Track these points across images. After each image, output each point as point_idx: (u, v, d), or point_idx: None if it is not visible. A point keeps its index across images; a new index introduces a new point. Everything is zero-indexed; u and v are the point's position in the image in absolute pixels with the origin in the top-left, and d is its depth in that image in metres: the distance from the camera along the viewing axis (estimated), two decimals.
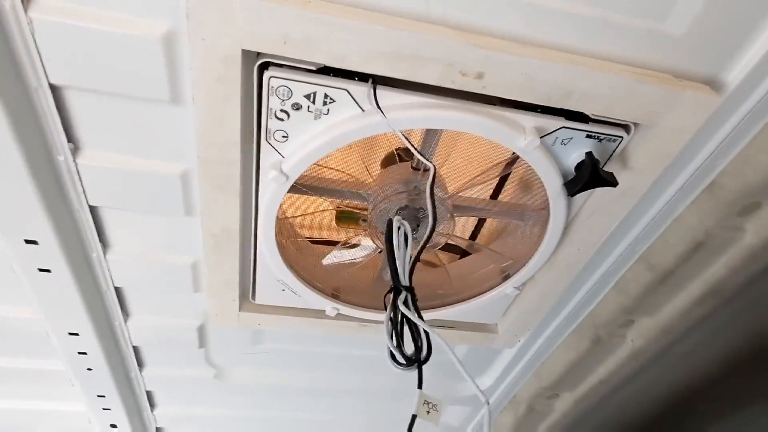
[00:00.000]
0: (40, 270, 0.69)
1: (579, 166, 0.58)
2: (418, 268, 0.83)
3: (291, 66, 0.50)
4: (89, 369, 0.91)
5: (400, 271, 0.44)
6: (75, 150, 0.59)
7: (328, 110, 0.52)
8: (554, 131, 0.56)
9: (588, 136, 0.56)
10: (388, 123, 0.50)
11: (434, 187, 0.64)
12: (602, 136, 0.56)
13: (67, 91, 0.53)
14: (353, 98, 0.51)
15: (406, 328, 0.43)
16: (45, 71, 0.50)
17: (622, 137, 0.57)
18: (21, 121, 0.53)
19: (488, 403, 0.37)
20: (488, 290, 0.79)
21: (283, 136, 0.55)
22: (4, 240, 0.65)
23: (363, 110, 0.52)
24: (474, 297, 0.80)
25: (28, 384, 1.04)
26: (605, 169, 0.58)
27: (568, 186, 0.59)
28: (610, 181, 0.56)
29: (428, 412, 0.38)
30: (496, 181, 0.73)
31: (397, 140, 0.68)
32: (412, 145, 0.51)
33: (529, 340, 0.95)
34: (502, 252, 0.77)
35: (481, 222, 0.82)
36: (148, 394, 1.08)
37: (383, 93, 0.51)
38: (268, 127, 0.54)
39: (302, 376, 1.05)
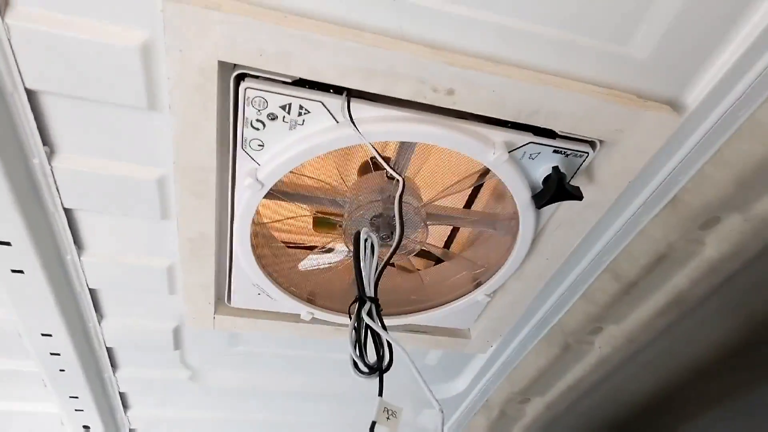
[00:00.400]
0: (13, 271, 0.69)
1: (546, 180, 0.60)
2: (392, 274, 0.85)
3: (267, 77, 0.51)
4: (62, 370, 0.91)
5: (365, 281, 0.46)
6: (50, 153, 0.59)
7: (303, 121, 0.54)
8: (522, 146, 0.58)
9: (555, 152, 0.58)
10: (361, 136, 0.51)
11: (406, 197, 0.66)
12: (569, 152, 0.59)
13: (44, 96, 0.54)
14: (328, 110, 0.53)
15: (370, 337, 0.44)
16: (21, 76, 0.51)
17: (587, 153, 0.59)
18: None
19: (442, 412, 0.39)
20: (461, 297, 0.81)
21: (259, 145, 0.56)
22: None
23: (337, 122, 0.54)
24: (447, 303, 0.82)
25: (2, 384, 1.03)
26: (571, 183, 0.60)
27: (536, 198, 0.61)
28: (576, 195, 0.59)
29: (388, 418, 0.39)
30: (469, 190, 0.75)
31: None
32: (383, 159, 0.52)
33: (501, 346, 0.97)
34: (474, 260, 0.79)
35: (455, 230, 0.84)
36: (122, 395, 1.07)
37: (357, 106, 0.53)
38: (244, 135, 0.55)
39: (278, 378, 1.06)
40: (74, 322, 0.82)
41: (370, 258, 0.47)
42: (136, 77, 0.51)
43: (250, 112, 0.53)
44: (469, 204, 0.77)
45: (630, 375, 0.94)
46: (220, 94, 0.52)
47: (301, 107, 0.53)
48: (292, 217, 0.73)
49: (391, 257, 0.49)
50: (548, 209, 0.66)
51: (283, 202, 0.72)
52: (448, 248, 0.84)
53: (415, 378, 1.12)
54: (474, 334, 0.91)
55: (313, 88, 0.52)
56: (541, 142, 0.58)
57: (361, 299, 0.45)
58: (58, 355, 0.87)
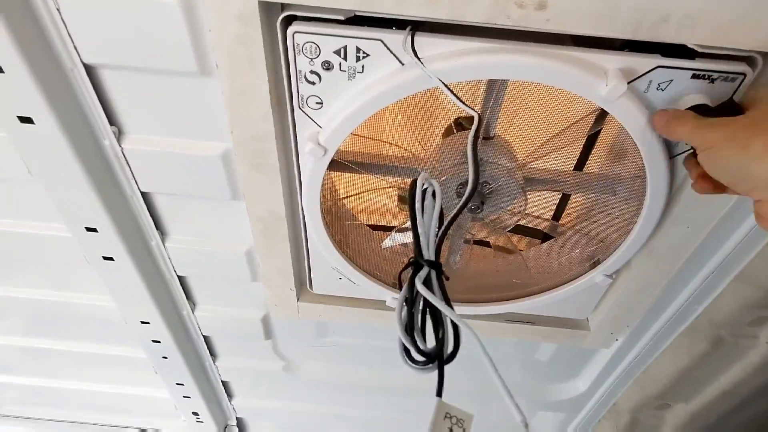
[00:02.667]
0: (104, 258, 0.70)
1: None
2: (488, 256, 0.74)
3: (318, 18, 0.43)
4: (164, 357, 0.93)
5: (423, 241, 0.36)
6: (119, 134, 0.58)
7: (363, 67, 0.46)
8: (647, 73, 0.44)
9: (695, 77, 0.44)
10: (429, 73, 0.42)
11: (496, 157, 0.55)
12: (715, 75, 0.43)
13: (102, 72, 0.52)
14: (389, 50, 0.44)
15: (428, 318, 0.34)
16: (77, 50, 0.49)
17: (743, 74, 0.43)
18: (62, 103, 0.52)
19: (527, 425, 0.28)
20: (574, 279, 0.67)
21: (317, 103, 0.49)
22: (68, 228, 0.67)
23: (402, 63, 0.45)
24: (557, 287, 0.69)
25: (121, 369, 1.10)
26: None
27: (671, 144, 0.47)
28: None
29: (450, 429, 0.29)
30: (579, 147, 0.61)
31: (456, 110, 0.60)
32: (450, 90, 0.42)
33: (630, 339, 0.81)
34: (589, 233, 0.65)
35: (564, 199, 0.70)
36: (225, 384, 1.09)
37: (425, 40, 0.43)
38: (300, 93, 0.48)
39: (372, 371, 1.00)
40: (168, 310, 0.83)
41: (430, 210, 0.37)
42: (182, 36, 0.47)
43: (302, 63, 0.46)
44: (581, 164, 0.63)
45: None
46: (269, 45, 0.46)
47: (358, 50, 0.44)
48: (367, 191, 0.66)
49: (461, 210, 0.39)
50: None
51: (358, 175, 0.65)
52: (557, 221, 0.71)
53: (527, 372, 0.98)
54: (594, 325, 0.76)
55: (372, 27, 0.44)
56: (673, 64, 0.43)
57: (416, 263, 0.35)
58: (159, 342, 0.89)
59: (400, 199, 0.71)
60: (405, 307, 0.34)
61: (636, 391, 0.90)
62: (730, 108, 0.43)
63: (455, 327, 0.32)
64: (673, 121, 0.43)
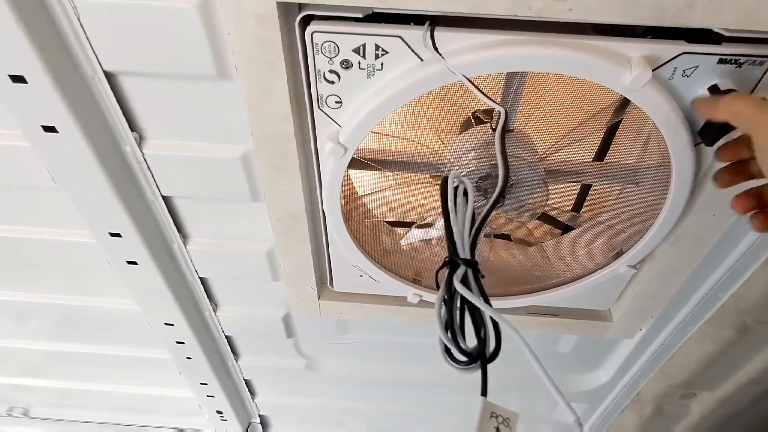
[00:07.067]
0: (128, 262, 0.71)
1: None
2: (509, 248, 0.73)
3: (336, 17, 0.43)
4: (188, 358, 0.94)
5: (458, 240, 0.36)
6: (140, 140, 0.58)
7: (382, 65, 0.45)
8: (672, 60, 0.43)
9: (721, 62, 0.43)
10: (449, 67, 0.41)
11: (517, 150, 0.55)
12: (743, 59, 0.43)
13: (122, 78, 0.52)
14: (408, 46, 0.44)
15: (467, 316, 0.34)
16: (97, 57, 0.49)
17: None
18: (84, 111, 0.53)
19: (581, 425, 0.28)
20: (596, 270, 0.67)
21: (337, 102, 0.49)
22: (93, 234, 0.68)
23: (422, 59, 0.44)
24: (579, 279, 0.68)
25: (146, 370, 1.11)
26: None
27: (704, 133, 0.46)
28: None
29: (497, 429, 0.29)
30: (599, 138, 0.60)
31: (475, 102, 0.59)
32: (474, 85, 0.42)
33: (653, 329, 0.80)
34: (611, 224, 0.64)
35: (585, 190, 0.69)
36: (247, 382, 1.10)
37: (444, 35, 0.43)
38: (319, 92, 0.48)
39: (396, 367, 1.00)
40: (191, 311, 0.84)
41: (463, 209, 0.36)
42: (200, 41, 0.47)
43: (321, 62, 0.46)
44: (601, 155, 0.62)
45: None
46: (287, 46, 0.46)
47: (377, 47, 0.44)
48: (387, 188, 0.65)
49: (494, 206, 0.39)
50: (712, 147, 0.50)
51: (378, 172, 0.65)
52: (578, 212, 0.70)
53: (547, 364, 0.99)
54: (616, 316, 0.75)
55: (390, 23, 0.44)
56: (699, 50, 0.42)
57: (453, 262, 0.35)
58: (183, 343, 0.90)
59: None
60: (444, 307, 0.34)
61: (660, 380, 0.89)
62: None
63: (495, 324, 0.32)
64: (725, 106, 0.41)
